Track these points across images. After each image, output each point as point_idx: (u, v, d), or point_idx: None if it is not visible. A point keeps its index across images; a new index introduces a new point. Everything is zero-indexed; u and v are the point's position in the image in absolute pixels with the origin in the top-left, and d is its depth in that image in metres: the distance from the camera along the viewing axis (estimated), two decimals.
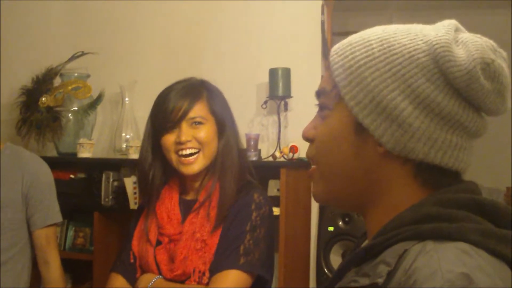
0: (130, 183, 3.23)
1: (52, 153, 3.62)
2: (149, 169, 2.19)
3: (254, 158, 3.08)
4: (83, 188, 3.42)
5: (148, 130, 2.21)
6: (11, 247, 2.55)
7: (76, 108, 3.54)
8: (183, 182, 2.22)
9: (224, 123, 2.18)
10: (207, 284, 2.01)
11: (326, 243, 3.02)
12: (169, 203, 2.18)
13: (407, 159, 0.98)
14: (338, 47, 1.05)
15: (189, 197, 2.20)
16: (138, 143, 3.05)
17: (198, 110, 2.13)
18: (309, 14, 3.32)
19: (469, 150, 0.99)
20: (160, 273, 2.10)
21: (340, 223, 3.00)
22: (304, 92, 3.16)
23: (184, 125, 2.11)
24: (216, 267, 2.01)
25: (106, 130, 3.72)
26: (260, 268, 2.04)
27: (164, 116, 2.12)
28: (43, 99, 3.44)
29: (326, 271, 2.99)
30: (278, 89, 3.16)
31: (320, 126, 1.06)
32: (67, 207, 2.84)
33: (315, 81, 3.11)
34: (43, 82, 3.50)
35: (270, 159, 3.15)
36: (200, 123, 2.13)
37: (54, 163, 2.80)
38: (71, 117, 3.54)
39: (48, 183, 2.66)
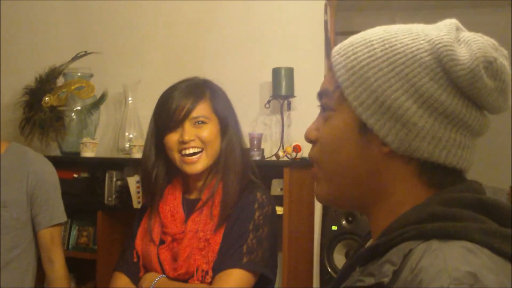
0: (133, 182, 3.23)
1: (56, 152, 3.62)
2: (152, 168, 2.20)
3: (257, 158, 3.07)
4: (87, 187, 3.42)
5: (152, 129, 2.22)
6: (16, 247, 2.55)
7: (79, 108, 3.54)
8: (186, 181, 2.22)
9: (227, 123, 2.18)
10: (210, 283, 2.02)
11: (329, 242, 3.02)
12: (172, 202, 2.18)
13: (411, 159, 0.98)
14: (340, 47, 1.05)
15: (192, 196, 2.20)
16: (141, 142, 3.05)
17: (201, 110, 2.13)
18: (312, 13, 3.32)
19: (472, 148, 1.00)
20: (163, 272, 2.10)
21: (344, 222, 2.99)
22: (307, 91, 3.15)
23: (187, 125, 2.12)
24: (219, 266, 2.02)
25: (109, 129, 3.72)
26: (263, 267, 2.04)
27: (167, 116, 2.13)
28: (46, 98, 3.44)
29: (329, 270, 2.98)
30: (281, 88, 3.16)
31: (323, 127, 1.06)
32: (71, 207, 2.84)
33: (318, 80, 3.10)
34: (46, 82, 3.50)
35: (273, 158, 3.15)
36: (203, 122, 2.13)
37: (57, 163, 2.80)
38: (74, 117, 3.54)
39: (53, 183, 2.66)
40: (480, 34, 0.99)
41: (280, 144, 3.21)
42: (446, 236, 0.88)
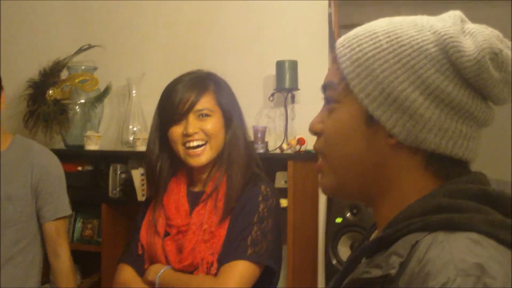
0: (137, 175, 3.24)
1: (60, 145, 3.62)
2: (156, 161, 2.20)
3: (261, 150, 3.08)
4: (91, 180, 3.43)
5: (156, 122, 2.22)
6: (21, 240, 2.56)
7: (83, 101, 3.54)
8: (190, 174, 2.22)
9: (231, 115, 2.18)
10: (215, 274, 2.02)
11: (334, 234, 3.02)
12: (176, 195, 2.19)
13: (417, 150, 0.98)
14: (344, 39, 1.05)
15: (197, 188, 2.21)
16: (145, 135, 3.05)
17: (205, 102, 2.13)
18: (316, 6, 3.31)
19: (477, 139, 1.00)
20: (168, 264, 2.11)
21: (348, 214, 2.99)
22: (311, 84, 3.14)
23: (191, 117, 2.12)
24: (224, 258, 2.02)
25: (113, 122, 3.72)
26: (268, 259, 2.05)
27: (171, 108, 2.13)
28: (50, 92, 3.44)
29: (334, 262, 2.98)
30: (285, 81, 3.16)
31: (328, 119, 1.06)
32: (75, 199, 2.86)
33: (322, 73, 3.09)
34: (50, 75, 3.51)
35: (277, 151, 3.15)
36: (207, 115, 2.13)
37: (61, 156, 2.81)
38: (78, 110, 3.55)
39: (58, 176, 2.67)
40: (484, 26, 0.99)
41: (284, 137, 3.21)
42: (452, 228, 0.88)
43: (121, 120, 3.57)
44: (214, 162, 2.17)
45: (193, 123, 2.11)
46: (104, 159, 3.41)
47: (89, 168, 3.49)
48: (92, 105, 3.53)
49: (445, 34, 0.95)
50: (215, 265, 2.03)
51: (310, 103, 3.17)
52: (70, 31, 3.82)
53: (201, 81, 2.17)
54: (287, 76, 3.16)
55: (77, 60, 3.59)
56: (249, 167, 2.18)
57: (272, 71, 3.23)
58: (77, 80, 3.47)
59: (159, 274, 2.08)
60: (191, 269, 2.06)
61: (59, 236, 2.64)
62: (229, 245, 2.04)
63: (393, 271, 0.88)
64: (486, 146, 1.09)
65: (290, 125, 3.25)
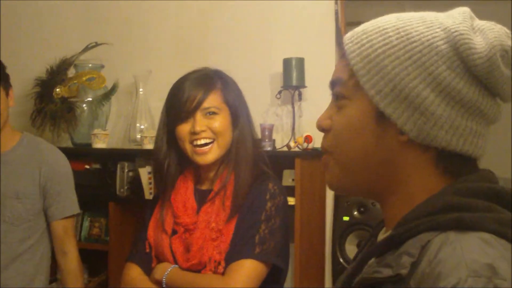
0: (145, 173, 3.23)
1: (67, 144, 3.62)
2: (164, 159, 2.20)
3: (268, 148, 3.07)
4: (98, 178, 3.43)
5: (163, 120, 2.22)
6: (28, 238, 2.57)
7: (90, 99, 3.54)
8: (198, 172, 2.22)
9: (238, 113, 2.18)
10: (223, 273, 2.02)
11: (341, 233, 3.01)
12: (184, 193, 2.18)
13: (428, 147, 0.97)
14: (352, 35, 1.04)
15: (204, 187, 2.21)
16: (152, 133, 3.05)
17: (212, 100, 2.13)
18: (323, 4, 3.30)
19: (486, 136, 1.00)
20: (175, 263, 2.11)
21: (355, 212, 2.98)
22: (318, 82, 3.14)
23: (199, 115, 2.12)
24: (231, 257, 2.02)
25: (120, 120, 3.72)
26: (275, 257, 2.04)
27: (178, 106, 2.13)
28: (58, 90, 3.44)
29: (341, 261, 2.98)
30: (292, 79, 3.15)
31: (337, 116, 1.05)
32: (82, 198, 2.85)
33: (329, 70, 3.07)
34: (57, 73, 3.51)
35: (285, 149, 3.14)
36: (214, 113, 2.13)
37: (69, 154, 2.81)
38: (85, 108, 3.54)
39: (66, 174, 2.67)
40: (493, 22, 0.99)
41: (292, 134, 3.20)
42: (463, 227, 0.88)
43: (128, 118, 3.57)
44: (222, 160, 2.17)
45: (200, 121, 2.11)
46: (112, 157, 3.40)
47: (96, 166, 3.49)
48: (99, 103, 3.53)
49: (455, 31, 0.94)
50: (223, 263, 2.03)
51: (317, 101, 3.16)
52: (77, 29, 3.82)
53: (208, 79, 2.17)
54: (294, 74, 3.15)
55: (84, 58, 3.59)
56: (257, 165, 2.17)
57: (279, 68, 3.22)
58: (84, 78, 3.47)
59: (166, 273, 2.08)
60: (198, 268, 2.06)
61: (67, 234, 2.64)
62: (236, 244, 2.03)
63: (404, 271, 0.88)
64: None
65: (297, 123, 3.24)
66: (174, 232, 2.15)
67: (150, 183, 3.19)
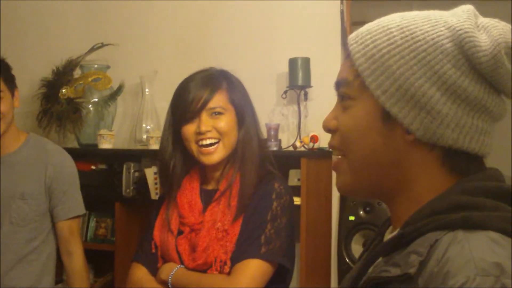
0: (151, 173, 3.24)
1: (73, 144, 3.63)
2: (169, 159, 2.20)
3: (274, 148, 3.07)
4: (104, 179, 3.43)
5: (169, 120, 2.22)
6: (34, 238, 2.57)
7: (96, 100, 3.55)
8: (203, 172, 2.22)
9: (244, 113, 2.18)
10: (229, 273, 2.02)
11: (347, 232, 3.01)
12: (190, 193, 2.18)
13: (434, 146, 0.97)
14: (357, 35, 1.04)
15: (210, 187, 2.20)
16: (158, 133, 3.05)
17: (218, 100, 2.13)
18: (329, 3, 3.30)
19: (492, 134, 1.00)
20: (181, 263, 2.11)
21: (361, 212, 2.98)
22: (324, 81, 3.14)
23: (204, 115, 2.11)
24: (237, 256, 2.02)
25: (126, 121, 3.72)
26: (281, 257, 2.04)
27: (184, 106, 2.13)
28: (64, 90, 3.45)
29: (347, 260, 2.98)
30: (298, 79, 3.15)
31: (343, 116, 1.05)
32: (88, 198, 2.86)
33: (335, 70, 3.07)
34: (63, 74, 3.51)
35: (291, 149, 3.14)
36: (220, 113, 2.13)
37: (75, 155, 2.81)
38: (91, 109, 3.55)
39: (71, 175, 2.67)
40: (497, 20, 0.99)
41: (297, 134, 3.20)
42: (471, 226, 0.88)
43: (134, 119, 3.57)
44: (227, 160, 2.16)
45: (206, 121, 2.11)
46: (118, 158, 3.41)
47: (102, 167, 3.49)
48: (105, 103, 3.53)
49: (460, 29, 0.94)
50: (229, 263, 2.03)
51: (323, 100, 3.15)
52: (82, 30, 3.82)
53: (214, 79, 2.17)
54: (300, 74, 3.15)
55: (90, 58, 3.60)
56: (263, 165, 2.17)
57: (285, 68, 3.23)
58: (90, 79, 3.48)
59: (172, 273, 2.08)
60: (204, 268, 2.06)
61: (73, 235, 2.65)
62: (242, 243, 2.03)
63: (412, 270, 0.88)
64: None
65: (303, 123, 3.24)
66: (180, 232, 2.15)
67: (156, 184, 3.19)
